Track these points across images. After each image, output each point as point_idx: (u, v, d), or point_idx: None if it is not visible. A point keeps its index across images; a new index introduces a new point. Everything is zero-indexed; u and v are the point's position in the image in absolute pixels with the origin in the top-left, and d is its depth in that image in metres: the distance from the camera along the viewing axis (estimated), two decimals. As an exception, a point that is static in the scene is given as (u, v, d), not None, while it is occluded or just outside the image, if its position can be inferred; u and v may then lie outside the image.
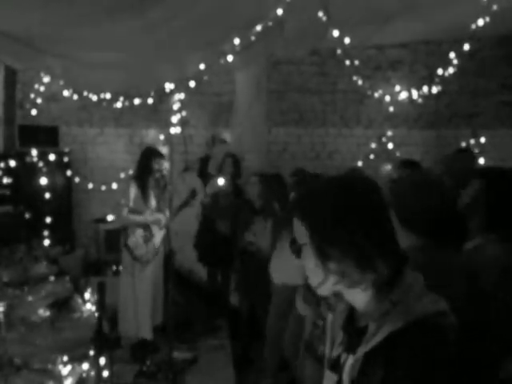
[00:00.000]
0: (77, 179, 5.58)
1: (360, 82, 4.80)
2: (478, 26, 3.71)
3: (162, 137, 5.63)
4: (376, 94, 5.03)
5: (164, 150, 5.40)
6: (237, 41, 3.86)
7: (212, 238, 4.64)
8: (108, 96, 4.88)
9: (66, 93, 4.99)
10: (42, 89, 5.30)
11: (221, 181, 4.37)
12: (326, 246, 0.94)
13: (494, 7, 3.49)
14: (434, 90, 4.68)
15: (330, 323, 1.11)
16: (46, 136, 5.49)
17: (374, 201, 0.97)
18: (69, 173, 5.44)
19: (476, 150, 5.26)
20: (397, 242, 0.98)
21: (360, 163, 5.61)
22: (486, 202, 1.56)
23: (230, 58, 3.96)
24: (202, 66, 4.13)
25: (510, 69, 5.87)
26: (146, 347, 3.73)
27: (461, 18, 3.81)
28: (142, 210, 3.88)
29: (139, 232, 3.86)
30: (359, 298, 0.99)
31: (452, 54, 4.26)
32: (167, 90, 4.50)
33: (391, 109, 5.30)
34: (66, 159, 5.43)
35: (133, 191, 3.88)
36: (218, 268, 4.86)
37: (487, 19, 3.63)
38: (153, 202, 3.97)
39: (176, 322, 4.03)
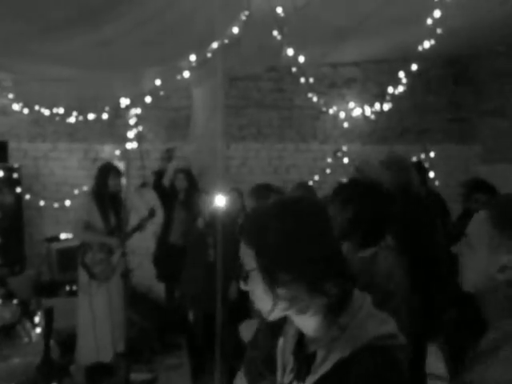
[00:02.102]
0: (28, 196, 5.36)
1: (315, 99, 4.92)
2: (424, 48, 3.90)
3: (117, 152, 5.53)
4: (331, 111, 5.18)
5: (120, 165, 5.30)
6: (193, 57, 3.87)
7: (169, 254, 4.60)
8: (61, 110, 4.74)
9: (16, 106, 4.81)
10: (-11, 102, 5.10)
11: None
12: (274, 271, 0.91)
13: (439, 30, 3.68)
14: (386, 107, 4.86)
15: (281, 347, 1.07)
16: (-6, 151, 5.26)
17: (321, 222, 0.95)
18: (19, 189, 5.22)
19: (426, 164, 5.49)
20: (344, 263, 0.96)
21: (316, 177, 5.73)
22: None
23: (186, 74, 3.96)
24: (158, 82, 4.10)
25: (456, 87, 6.20)
26: (102, 370, 3.60)
27: (408, 39, 3.99)
28: (100, 227, 3.78)
29: (97, 249, 3.74)
30: (308, 323, 0.96)
31: (401, 73, 4.45)
32: (123, 105, 4.43)
33: (346, 125, 5.46)
34: (15, 175, 5.21)
35: (90, 207, 3.77)
36: (176, 284, 4.80)
37: (432, 41, 3.82)
38: (112, 219, 3.87)
39: (133, 342, 3.92)
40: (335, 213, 1.64)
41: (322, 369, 0.90)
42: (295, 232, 0.91)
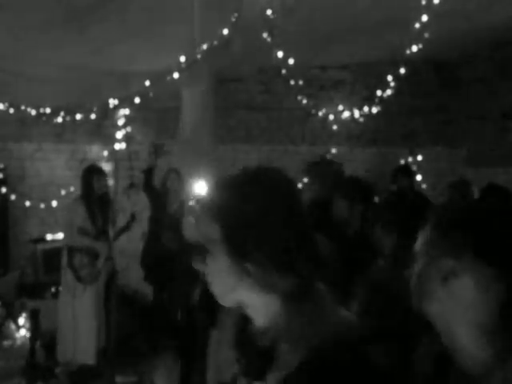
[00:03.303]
0: (13, 196, 5.29)
1: (304, 101, 4.93)
2: (411, 51, 3.94)
3: (105, 153, 5.48)
4: (320, 113, 5.20)
5: (108, 166, 5.25)
6: (182, 58, 3.86)
7: (158, 255, 4.56)
8: (48, 110, 4.68)
9: (1, 106, 4.73)
10: (-26, 102, 5.01)
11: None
12: (244, 243, 0.83)
13: (426, 35, 3.72)
14: (374, 109, 4.90)
15: (214, 341, 0.98)
16: (-21, 151, 5.19)
17: (294, 197, 0.89)
18: (4, 190, 5.16)
19: (413, 167, 5.54)
20: (316, 246, 0.88)
21: (305, 179, 5.74)
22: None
23: (175, 74, 3.94)
24: (147, 83, 4.08)
25: (442, 91, 6.27)
26: (87, 373, 3.56)
27: (396, 42, 4.03)
28: (90, 230, 3.79)
29: (84, 252, 3.73)
30: (265, 310, 0.87)
31: (389, 77, 4.49)
32: (111, 106, 4.40)
33: (335, 127, 5.49)
34: (0, 175, 5.16)
35: (80, 211, 3.78)
36: (164, 286, 4.76)
37: (420, 45, 3.86)
38: (99, 222, 3.87)
39: (119, 344, 3.89)
40: (379, 236, 1.66)
41: (286, 365, 0.81)
42: (269, 202, 0.85)
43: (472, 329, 0.81)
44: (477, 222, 0.83)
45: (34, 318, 1.53)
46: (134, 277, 4.84)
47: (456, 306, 0.81)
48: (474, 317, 0.80)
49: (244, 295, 0.87)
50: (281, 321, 0.85)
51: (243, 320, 0.92)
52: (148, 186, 4.64)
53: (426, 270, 0.86)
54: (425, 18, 3.61)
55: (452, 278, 0.80)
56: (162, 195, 4.61)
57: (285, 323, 0.84)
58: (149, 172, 4.62)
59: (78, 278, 3.69)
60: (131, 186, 5.36)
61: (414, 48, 3.90)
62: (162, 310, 4.71)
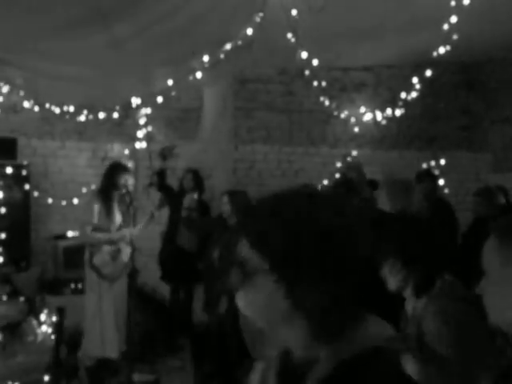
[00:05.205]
0: (36, 193, 5.36)
1: (327, 103, 4.88)
2: (438, 53, 3.85)
3: (126, 151, 5.52)
4: (342, 115, 5.14)
5: (128, 164, 5.27)
6: (206, 58, 3.86)
7: (175, 255, 4.58)
8: (71, 109, 4.74)
9: (26, 104, 4.80)
10: (0, 99, 5.10)
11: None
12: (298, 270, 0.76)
13: (454, 36, 3.64)
14: (397, 112, 4.82)
15: (261, 372, 0.89)
16: (4, 148, 5.26)
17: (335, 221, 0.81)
18: (27, 187, 5.22)
19: (436, 172, 5.44)
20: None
21: (325, 182, 5.68)
22: None
23: (198, 74, 3.94)
24: (169, 82, 4.09)
25: (468, 94, 6.14)
26: (105, 369, 3.58)
27: (422, 44, 3.96)
28: (105, 226, 3.78)
29: (106, 249, 3.75)
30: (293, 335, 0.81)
31: (414, 79, 4.40)
32: (133, 105, 4.42)
33: (356, 129, 5.42)
34: (24, 172, 5.21)
35: (96, 207, 3.78)
36: (180, 285, 4.78)
37: (448, 47, 3.78)
38: (118, 218, 3.88)
39: (137, 342, 3.90)
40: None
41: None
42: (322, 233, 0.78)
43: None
44: None
45: (60, 315, 1.54)
46: (152, 275, 4.86)
47: None
48: None
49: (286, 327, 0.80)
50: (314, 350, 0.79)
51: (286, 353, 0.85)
52: (162, 187, 4.69)
53: None
54: (454, 19, 3.53)
55: None
56: (178, 195, 4.64)
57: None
58: (160, 173, 4.67)
59: (102, 276, 3.71)
60: (150, 185, 5.39)
61: (442, 50, 3.82)
62: (178, 310, 4.73)
